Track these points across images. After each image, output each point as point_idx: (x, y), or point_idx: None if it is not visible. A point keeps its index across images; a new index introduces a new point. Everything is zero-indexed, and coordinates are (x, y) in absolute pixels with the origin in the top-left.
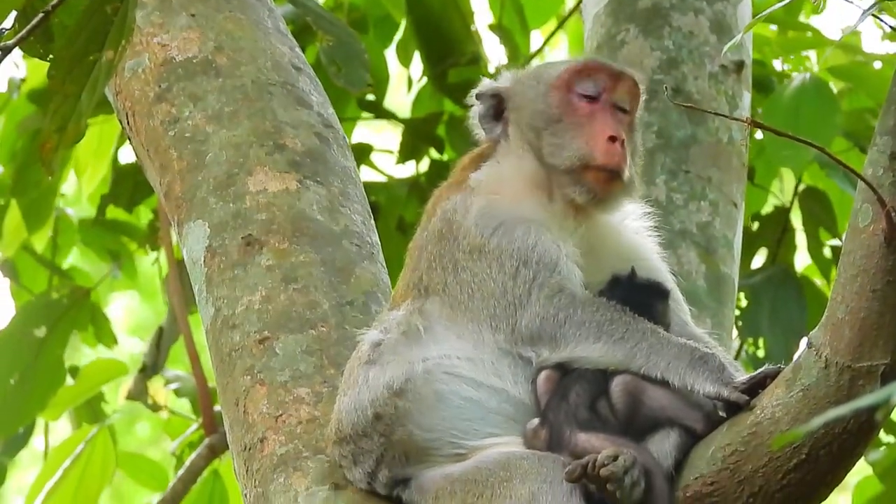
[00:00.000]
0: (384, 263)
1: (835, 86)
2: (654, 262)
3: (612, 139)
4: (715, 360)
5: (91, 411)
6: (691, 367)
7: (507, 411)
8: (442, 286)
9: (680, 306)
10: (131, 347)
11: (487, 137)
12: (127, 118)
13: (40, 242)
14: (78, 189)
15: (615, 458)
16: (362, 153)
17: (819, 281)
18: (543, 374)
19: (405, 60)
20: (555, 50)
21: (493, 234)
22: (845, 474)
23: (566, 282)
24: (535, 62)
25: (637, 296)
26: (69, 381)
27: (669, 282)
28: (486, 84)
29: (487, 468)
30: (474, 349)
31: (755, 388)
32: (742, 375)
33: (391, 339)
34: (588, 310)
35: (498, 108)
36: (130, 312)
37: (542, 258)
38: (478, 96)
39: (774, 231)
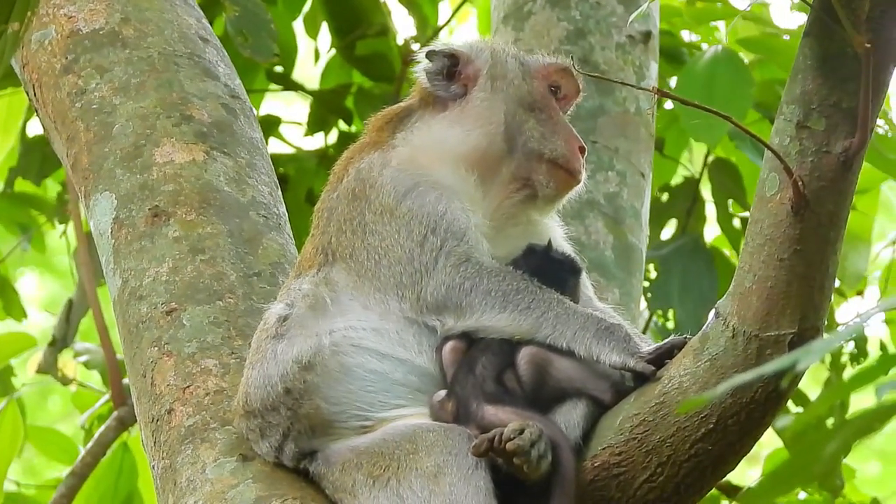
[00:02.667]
0: (291, 234)
1: (745, 57)
2: (563, 241)
3: (582, 150)
4: (621, 330)
5: (0, 384)
6: (597, 337)
7: (413, 382)
8: (350, 252)
9: (584, 282)
10: (42, 322)
11: (441, 95)
12: (34, 90)
13: None
14: None
15: (521, 431)
16: (271, 125)
17: (728, 252)
18: (449, 345)
19: (312, 32)
20: (463, 22)
21: (406, 195)
22: (753, 444)
23: (473, 251)
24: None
25: (551, 268)
26: None
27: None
28: (440, 43)
29: (394, 440)
30: (380, 319)
31: (661, 358)
32: (649, 346)
33: (298, 312)
34: (494, 279)
35: (451, 69)
36: (41, 287)
37: (451, 226)
38: (430, 54)
39: (684, 202)
